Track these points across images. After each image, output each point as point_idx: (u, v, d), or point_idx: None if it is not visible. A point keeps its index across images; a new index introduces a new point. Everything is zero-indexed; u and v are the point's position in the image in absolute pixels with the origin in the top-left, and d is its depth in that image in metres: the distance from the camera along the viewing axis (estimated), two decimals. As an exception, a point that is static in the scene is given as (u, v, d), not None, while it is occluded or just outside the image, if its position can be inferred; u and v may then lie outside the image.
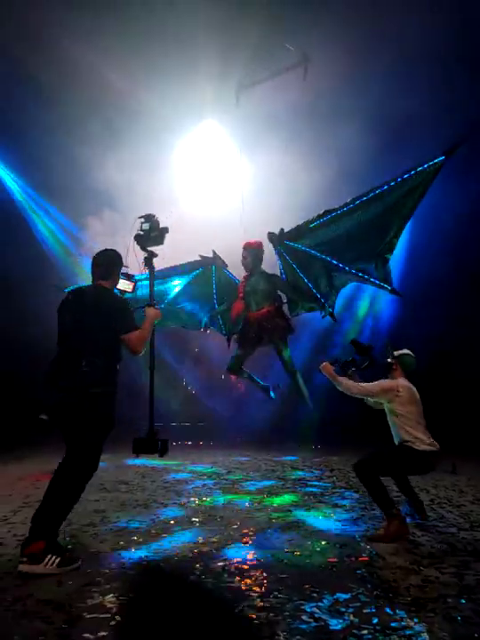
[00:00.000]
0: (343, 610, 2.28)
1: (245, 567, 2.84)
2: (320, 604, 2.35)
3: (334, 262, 4.51)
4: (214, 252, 5.21)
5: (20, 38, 7.25)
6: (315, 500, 4.64)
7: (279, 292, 5.11)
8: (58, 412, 2.91)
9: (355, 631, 2.07)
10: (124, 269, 3.40)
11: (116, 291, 3.32)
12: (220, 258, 5.20)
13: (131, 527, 3.68)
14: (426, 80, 7.85)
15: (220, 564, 2.90)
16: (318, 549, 3.20)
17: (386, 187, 4.01)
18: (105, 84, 7.89)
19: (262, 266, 5.17)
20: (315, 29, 7.61)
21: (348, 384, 3.78)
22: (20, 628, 2.06)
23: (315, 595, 2.45)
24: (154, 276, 3.71)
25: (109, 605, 2.28)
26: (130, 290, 3.48)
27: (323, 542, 3.35)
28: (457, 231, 9.03)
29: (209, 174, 9.97)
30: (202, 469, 6.47)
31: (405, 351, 3.89)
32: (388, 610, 2.28)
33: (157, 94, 8.34)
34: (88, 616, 2.17)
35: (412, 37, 7.38)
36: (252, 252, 5.04)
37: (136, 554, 3.06)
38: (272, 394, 5.43)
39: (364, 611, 2.27)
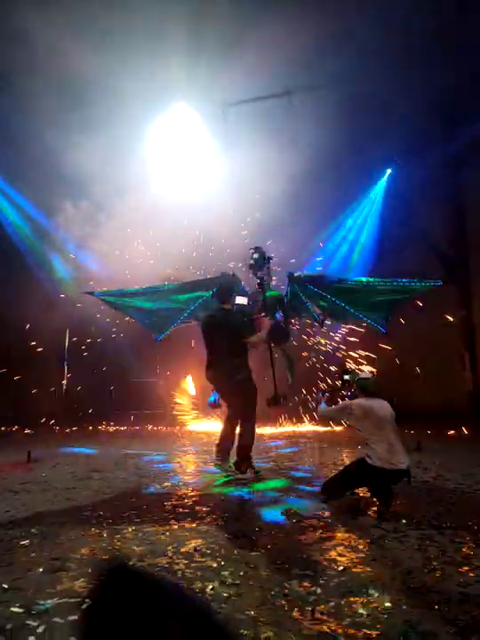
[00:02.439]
0: (312, 583, 2.36)
1: (216, 546, 2.90)
2: (291, 580, 2.42)
3: (348, 308, 5.55)
4: (233, 273, 5.72)
5: None
6: (290, 483, 4.72)
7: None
8: (228, 391, 4.86)
9: (323, 604, 2.15)
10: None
11: (234, 307, 5.09)
12: (237, 277, 5.71)
13: (108, 512, 3.69)
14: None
15: (192, 543, 2.95)
16: (288, 528, 3.28)
17: (392, 283, 5.40)
18: (73, 66, 7.69)
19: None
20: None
21: (320, 410, 4.26)
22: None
23: (285, 570, 2.53)
24: (265, 293, 5.21)
25: (80, 590, 2.30)
26: (245, 303, 5.20)
27: (293, 521, 3.43)
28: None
29: (181, 157, 9.90)
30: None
31: (362, 376, 4.19)
32: (354, 583, 2.37)
33: (127, 77, 8.19)
34: (58, 601, 2.19)
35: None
36: (268, 272, 5.72)
37: (107, 538, 3.08)
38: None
39: (331, 583, 2.36)
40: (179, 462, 5.96)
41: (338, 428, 8.54)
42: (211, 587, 2.32)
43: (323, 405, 4.27)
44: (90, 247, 9.83)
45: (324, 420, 4.30)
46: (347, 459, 5.73)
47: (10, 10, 6.82)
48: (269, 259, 5.39)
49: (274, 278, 6.11)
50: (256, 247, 5.36)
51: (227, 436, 4.88)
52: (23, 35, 7.01)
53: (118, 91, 8.36)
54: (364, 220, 11.24)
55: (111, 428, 9.56)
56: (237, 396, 4.79)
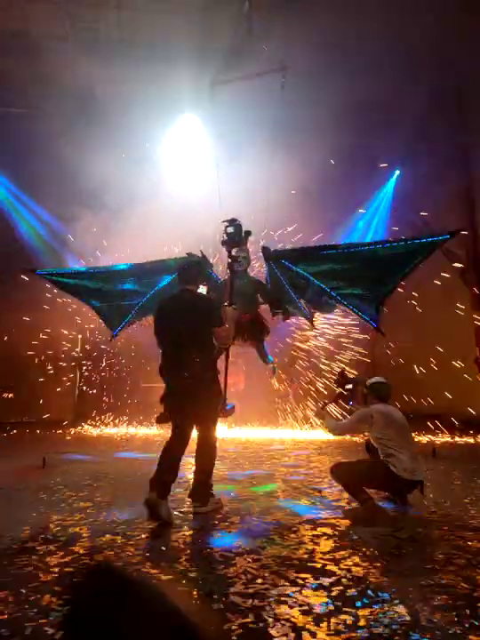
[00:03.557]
0: (327, 594, 2.34)
1: (230, 554, 2.88)
2: (304, 588, 2.40)
3: (331, 291, 4.51)
4: (202, 253, 4.87)
5: (5, 46, 7.19)
6: (300, 488, 4.70)
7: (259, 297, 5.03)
8: (182, 395, 3.66)
9: (338, 614, 2.13)
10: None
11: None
12: (208, 259, 4.97)
13: (120, 518, 3.69)
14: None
15: (206, 550, 2.94)
16: (301, 536, 3.26)
17: (392, 244, 4.28)
18: (85, 80, 7.81)
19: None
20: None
21: (330, 426, 3.98)
22: None
23: (299, 580, 2.51)
24: (233, 279, 4.30)
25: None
26: (204, 292, 4.29)
27: (306, 529, 3.41)
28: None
29: (189, 166, 9.98)
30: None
31: (376, 379, 4.04)
32: (369, 593, 2.34)
33: (138, 92, 8.31)
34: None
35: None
36: (247, 257, 4.87)
37: (121, 541, 3.09)
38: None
39: (348, 594, 2.33)
40: (189, 468, 5.93)
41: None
42: (226, 597, 2.31)
43: (331, 421, 4.03)
44: (105, 254, 9.93)
45: (338, 435, 4.04)
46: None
47: (26, 25, 6.93)
48: (248, 234, 4.45)
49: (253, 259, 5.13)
50: (231, 219, 4.36)
51: (173, 464, 3.60)
52: (39, 50, 7.13)
53: (128, 103, 8.47)
54: (372, 220, 11.21)
55: (123, 433, 9.60)
56: (199, 403, 3.68)
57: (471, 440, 8.12)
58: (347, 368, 5.41)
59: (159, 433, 9.24)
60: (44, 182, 9.14)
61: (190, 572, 2.64)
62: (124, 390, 10.40)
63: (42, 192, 9.59)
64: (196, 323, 3.69)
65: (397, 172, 10.98)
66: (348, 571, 2.62)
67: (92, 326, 9.59)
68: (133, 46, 7.67)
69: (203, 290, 4.31)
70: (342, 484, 3.81)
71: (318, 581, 2.48)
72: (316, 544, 3.08)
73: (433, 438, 8.32)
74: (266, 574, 2.58)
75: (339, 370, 4.39)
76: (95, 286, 4.91)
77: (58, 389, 10.11)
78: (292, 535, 3.27)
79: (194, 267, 4.07)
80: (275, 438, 8.85)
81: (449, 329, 9.20)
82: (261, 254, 4.83)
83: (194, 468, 3.92)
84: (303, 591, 2.37)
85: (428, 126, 8.96)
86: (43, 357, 9.75)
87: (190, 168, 10.01)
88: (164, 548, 3.02)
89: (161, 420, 3.84)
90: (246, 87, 8.52)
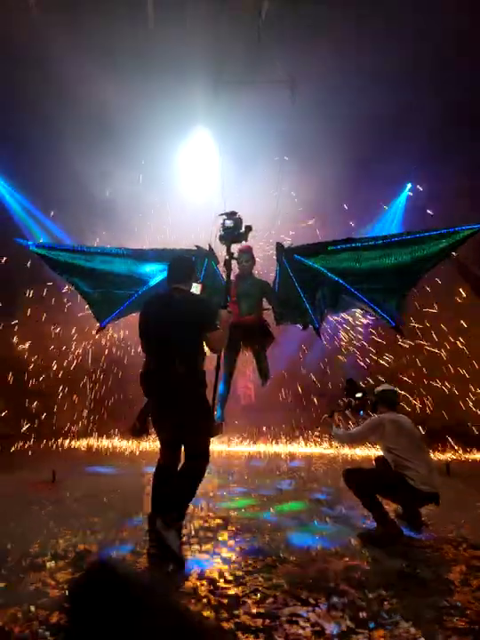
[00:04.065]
0: (340, 614, 2.29)
1: (240, 573, 2.84)
2: (316, 608, 2.36)
3: (349, 287, 4.23)
4: (210, 247, 4.62)
5: (22, 62, 7.40)
6: (315, 506, 4.63)
7: (265, 301, 4.83)
8: (165, 407, 3.18)
9: (351, 635, 2.08)
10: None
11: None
12: (215, 254, 4.64)
13: (130, 524, 3.67)
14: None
15: (216, 569, 2.90)
16: (314, 554, 3.20)
17: (417, 235, 4.01)
18: (100, 96, 7.95)
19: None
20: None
21: (339, 436, 3.88)
22: None
23: (311, 600, 2.46)
24: (230, 277, 3.87)
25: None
26: (198, 292, 3.74)
27: (318, 547, 3.35)
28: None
29: (200, 179, 10.09)
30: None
31: (384, 387, 3.95)
32: (383, 614, 2.29)
33: (150, 106, 8.45)
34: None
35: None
36: (252, 257, 4.76)
37: (131, 558, 3.06)
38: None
39: (360, 614, 2.28)
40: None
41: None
42: (236, 616, 2.27)
43: (338, 429, 3.90)
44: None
45: (347, 445, 3.85)
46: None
47: (42, 40, 7.11)
48: (248, 229, 3.90)
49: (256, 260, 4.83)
50: (230, 212, 3.89)
51: (165, 492, 3.20)
52: (55, 66, 7.31)
53: (142, 118, 8.61)
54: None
55: (135, 447, 9.57)
56: (184, 414, 3.17)
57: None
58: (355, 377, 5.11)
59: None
60: (56, 196, 9.29)
61: (200, 590, 2.60)
62: (134, 402, 10.32)
63: (54, 206, 9.74)
64: (184, 326, 3.18)
65: (409, 185, 10.95)
66: (362, 591, 2.57)
67: (111, 336, 9.60)
68: (147, 61, 7.81)
69: (196, 289, 3.73)
70: (356, 493, 3.63)
71: (331, 602, 2.43)
72: (329, 563, 3.02)
73: (446, 456, 8.17)
74: (277, 594, 2.54)
75: (347, 379, 4.13)
76: (90, 266, 4.45)
77: (73, 399, 10.15)
78: (305, 554, 3.21)
79: (185, 262, 3.58)
80: (290, 452, 8.76)
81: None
82: (268, 254, 4.59)
83: (172, 488, 3.21)
84: (315, 611, 2.32)
85: (442, 140, 8.96)
86: (54, 368, 9.79)
87: (201, 181, 10.11)
88: (173, 566, 2.98)
89: (136, 433, 3.32)
90: (258, 100, 8.61)
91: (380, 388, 3.95)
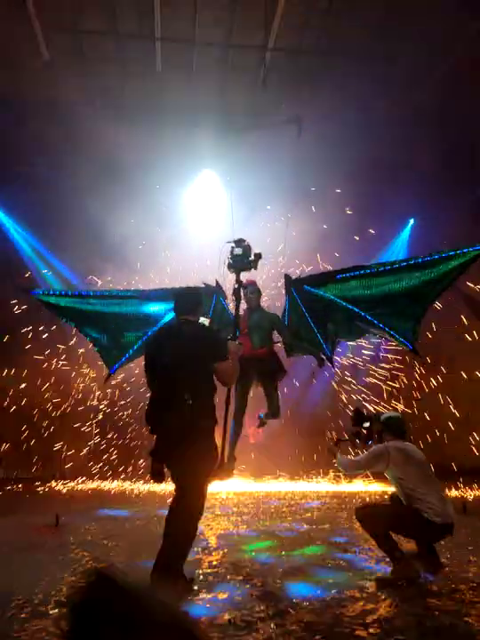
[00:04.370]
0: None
1: (252, 619, 2.71)
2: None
3: (363, 314, 4.18)
4: (217, 282, 4.55)
5: (34, 105, 7.82)
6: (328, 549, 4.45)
7: (275, 334, 4.78)
8: (171, 445, 3.00)
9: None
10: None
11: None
12: (222, 289, 4.58)
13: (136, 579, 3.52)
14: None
15: (226, 616, 2.77)
16: (328, 599, 3.06)
17: (426, 259, 4.02)
18: (111, 142, 8.27)
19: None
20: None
21: (343, 464, 3.75)
22: None
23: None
24: (239, 306, 3.80)
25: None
26: (206, 323, 3.65)
27: (333, 592, 3.20)
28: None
29: (207, 221, 10.30)
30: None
31: (390, 414, 3.87)
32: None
33: (159, 152, 8.77)
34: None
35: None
36: (257, 289, 4.75)
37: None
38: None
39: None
40: (208, 524, 5.72)
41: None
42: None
43: (343, 458, 3.75)
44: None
45: (351, 473, 3.69)
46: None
47: (56, 93, 7.50)
48: (258, 256, 3.81)
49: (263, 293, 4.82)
50: (238, 240, 3.81)
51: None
52: (69, 116, 7.68)
53: (150, 163, 8.92)
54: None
55: (143, 489, 9.36)
56: (185, 453, 2.97)
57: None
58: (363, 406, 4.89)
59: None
60: (66, 239, 9.51)
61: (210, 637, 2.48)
62: (141, 446, 10.11)
63: (64, 249, 9.95)
64: (193, 358, 3.05)
65: (411, 222, 11.09)
66: (379, 636, 2.44)
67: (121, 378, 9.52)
68: (155, 109, 8.19)
69: (204, 322, 3.65)
70: (368, 530, 3.49)
71: None
72: (344, 608, 2.88)
73: (463, 493, 7.92)
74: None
75: (355, 407, 4.02)
76: (96, 310, 4.38)
77: (78, 439, 10.01)
78: (319, 599, 3.07)
79: (193, 294, 3.51)
80: (302, 491, 8.54)
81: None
82: (275, 284, 4.56)
83: (163, 536, 3.00)
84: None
85: (443, 180, 9.18)
86: (57, 408, 9.70)
87: (209, 223, 10.32)
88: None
89: (155, 476, 3.16)
90: (263, 142, 8.92)
91: (385, 416, 3.81)
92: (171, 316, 4.12)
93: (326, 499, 7.62)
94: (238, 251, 3.77)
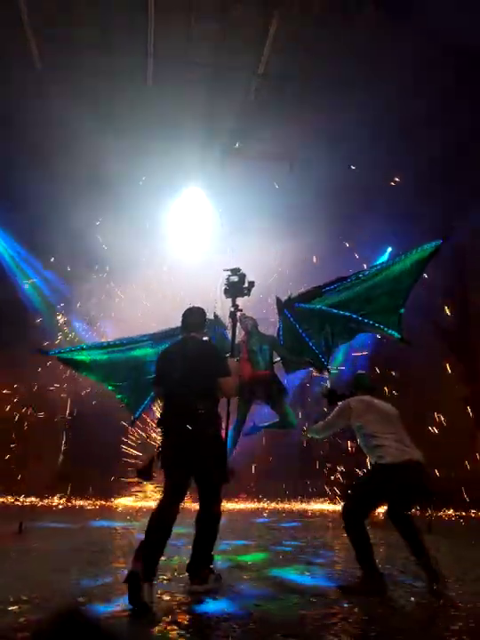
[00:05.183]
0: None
1: (214, 620, 2.70)
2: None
3: (354, 315, 4.52)
4: (216, 315, 4.78)
5: (23, 115, 7.90)
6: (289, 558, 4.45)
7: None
8: (185, 449, 3.23)
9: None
10: None
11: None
12: (221, 321, 4.78)
13: (95, 583, 3.46)
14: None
15: (188, 616, 2.76)
16: (289, 604, 3.06)
17: (390, 261, 4.51)
18: (100, 153, 8.36)
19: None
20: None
21: (314, 430, 3.83)
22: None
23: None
24: (236, 330, 4.11)
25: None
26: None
27: (295, 595, 3.21)
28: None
29: (191, 237, 10.41)
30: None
31: (359, 372, 4.01)
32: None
33: (146, 167, 8.90)
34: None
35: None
36: (251, 317, 5.03)
37: (100, 609, 2.88)
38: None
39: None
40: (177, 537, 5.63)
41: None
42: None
43: (313, 427, 3.84)
44: (107, 319, 10.08)
45: (322, 437, 3.75)
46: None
47: (43, 95, 7.56)
48: (251, 284, 4.21)
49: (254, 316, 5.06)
50: (235, 268, 4.18)
51: (163, 533, 3.12)
52: (60, 125, 7.75)
53: (136, 176, 9.03)
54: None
55: (110, 503, 9.17)
56: (205, 459, 3.27)
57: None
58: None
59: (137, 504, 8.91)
60: (50, 245, 9.49)
61: (169, 635, 2.46)
62: (107, 461, 9.84)
63: (48, 254, 9.91)
64: (200, 371, 3.36)
65: (389, 250, 11.30)
66: (339, 636, 2.46)
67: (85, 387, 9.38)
68: (143, 123, 8.31)
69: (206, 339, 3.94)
70: (349, 536, 3.43)
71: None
72: (306, 609, 2.89)
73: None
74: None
75: (324, 389, 4.12)
76: (110, 359, 4.62)
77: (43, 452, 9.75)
78: (281, 602, 3.07)
79: (198, 312, 3.75)
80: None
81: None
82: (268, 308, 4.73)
83: (193, 537, 3.35)
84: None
85: (419, 207, 9.46)
86: (25, 420, 9.46)
87: (193, 240, 10.42)
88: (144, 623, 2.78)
89: (143, 474, 3.37)
90: (249, 166, 9.13)
91: (354, 375, 3.95)
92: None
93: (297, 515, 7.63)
94: (234, 278, 4.12)
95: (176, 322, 3.90)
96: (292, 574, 3.86)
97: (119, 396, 4.77)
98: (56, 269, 10.27)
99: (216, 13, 7.00)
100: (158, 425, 3.45)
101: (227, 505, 8.60)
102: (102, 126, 7.83)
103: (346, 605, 3.01)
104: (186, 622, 2.66)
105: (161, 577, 3.61)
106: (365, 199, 9.58)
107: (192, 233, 10.50)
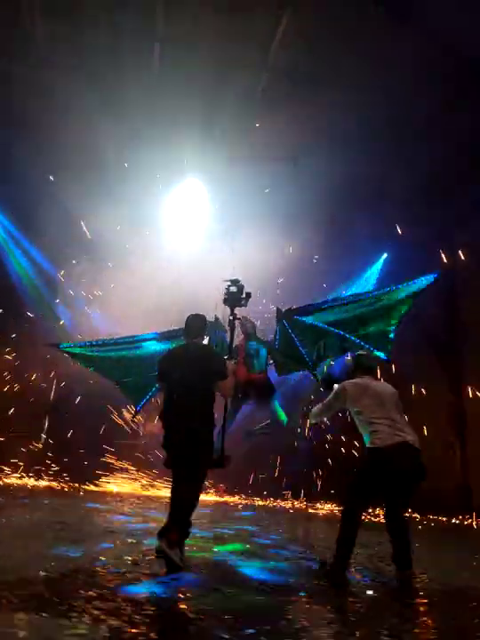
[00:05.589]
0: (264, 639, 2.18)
1: (173, 598, 2.70)
2: (240, 632, 2.24)
3: (347, 336, 4.86)
4: (217, 318, 5.11)
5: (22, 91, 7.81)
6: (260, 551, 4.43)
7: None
8: (185, 445, 3.58)
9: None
10: None
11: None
12: (220, 322, 5.11)
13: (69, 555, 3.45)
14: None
15: (143, 594, 2.74)
16: (244, 590, 3.06)
17: (392, 287, 4.85)
18: (98, 139, 8.29)
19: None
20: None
21: (313, 415, 3.88)
22: None
23: (237, 625, 2.34)
24: (234, 336, 4.54)
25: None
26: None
27: (253, 582, 3.22)
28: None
29: (189, 228, 10.34)
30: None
31: (359, 352, 4.01)
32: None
33: (145, 155, 8.83)
34: None
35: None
36: (251, 320, 5.38)
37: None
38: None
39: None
40: (145, 521, 5.60)
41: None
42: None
43: (312, 411, 3.90)
44: (97, 305, 10.01)
45: (320, 420, 3.87)
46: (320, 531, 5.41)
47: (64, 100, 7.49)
48: (248, 295, 4.56)
49: (255, 321, 5.46)
50: (234, 280, 4.55)
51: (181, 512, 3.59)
52: (57, 107, 7.68)
53: (134, 161, 8.95)
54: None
55: (89, 486, 9.10)
56: (196, 454, 3.62)
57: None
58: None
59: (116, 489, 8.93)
60: (41, 225, 9.39)
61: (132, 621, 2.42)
62: (92, 446, 9.73)
63: (39, 235, 9.81)
64: (200, 373, 3.70)
65: (385, 255, 11.21)
66: (289, 619, 2.46)
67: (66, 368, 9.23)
68: (146, 108, 8.19)
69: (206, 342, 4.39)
70: (340, 526, 3.43)
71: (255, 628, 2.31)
72: (264, 597, 2.90)
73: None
74: (201, 618, 2.40)
75: (322, 379, 4.24)
76: (118, 356, 4.98)
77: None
78: (236, 588, 3.05)
79: (200, 319, 4.09)
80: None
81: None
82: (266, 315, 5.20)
83: (170, 508, 3.63)
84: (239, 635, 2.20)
85: (416, 215, 9.44)
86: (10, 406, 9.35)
87: (188, 231, 10.36)
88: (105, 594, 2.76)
89: (168, 465, 3.82)
90: (255, 165, 9.09)
91: (354, 354, 3.99)
92: None
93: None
94: (233, 289, 4.50)
95: (171, 309, 4.12)
96: (257, 565, 3.83)
97: (121, 389, 5.15)
98: (45, 251, 10.15)
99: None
100: (161, 419, 3.78)
101: (207, 497, 8.58)
102: (103, 107, 7.73)
103: (303, 596, 3.01)
104: (141, 600, 2.64)
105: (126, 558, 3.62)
106: (367, 199, 9.52)
107: (189, 223, 10.43)
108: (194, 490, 3.68)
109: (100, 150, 8.43)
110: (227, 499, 9.20)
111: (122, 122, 8.09)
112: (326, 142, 8.53)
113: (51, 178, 8.98)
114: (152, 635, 2.13)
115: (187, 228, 10.37)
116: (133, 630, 2.16)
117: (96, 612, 2.34)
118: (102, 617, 2.27)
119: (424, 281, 4.64)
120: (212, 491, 9.21)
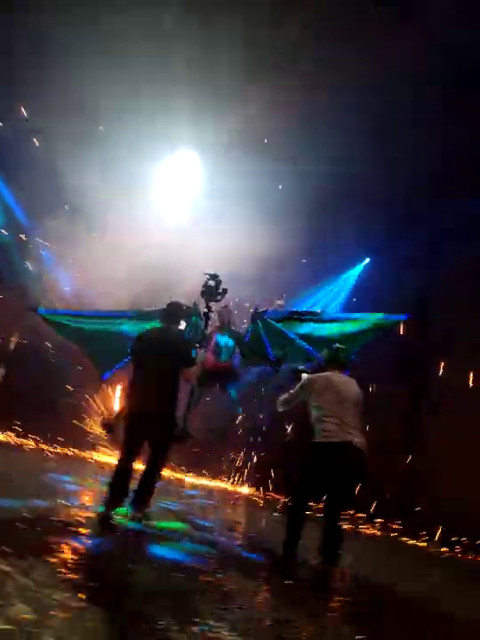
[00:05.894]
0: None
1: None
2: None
3: (310, 350, 5.13)
4: (195, 304, 5.33)
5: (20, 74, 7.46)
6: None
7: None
8: (147, 425, 3.89)
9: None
10: None
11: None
12: (198, 309, 5.33)
13: None
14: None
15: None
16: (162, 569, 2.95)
17: (362, 315, 5.23)
18: (90, 100, 7.98)
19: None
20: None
21: (280, 400, 3.91)
22: None
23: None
24: (207, 327, 5.02)
25: None
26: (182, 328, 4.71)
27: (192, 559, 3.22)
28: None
29: (178, 199, 10.12)
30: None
31: (337, 345, 4.01)
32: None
33: (138, 123, 8.56)
34: None
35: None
36: (228, 312, 5.72)
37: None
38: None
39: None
40: (84, 485, 5.54)
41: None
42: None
43: (280, 398, 3.93)
44: (68, 267, 9.72)
45: (286, 408, 3.90)
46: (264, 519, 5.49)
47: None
48: (225, 291, 5.00)
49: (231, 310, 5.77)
50: (213, 274, 4.96)
51: (125, 483, 3.83)
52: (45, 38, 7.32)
53: (126, 121, 8.66)
54: (329, 300, 11.30)
55: (27, 443, 8.89)
56: (162, 434, 3.99)
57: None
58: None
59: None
60: (22, 175, 9.03)
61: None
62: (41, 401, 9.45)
63: (19, 185, 9.43)
64: (170, 358, 4.00)
65: (367, 260, 11.19)
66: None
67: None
68: (148, 65, 7.85)
69: (181, 328, 4.68)
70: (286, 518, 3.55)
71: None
72: (181, 574, 2.86)
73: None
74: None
75: (295, 370, 4.31)
76: (93, 328, 5.14)
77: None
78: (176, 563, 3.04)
79: (177, 307, 4.38)
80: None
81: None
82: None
83: (139, 480, 4.00)
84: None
85: (399, 225, 9.46)
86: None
87: (181, 199, 10.16)
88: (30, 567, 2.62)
89: (106, 426, 4.17)
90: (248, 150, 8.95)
91: (322, 353, 4.00)
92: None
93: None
94: (211, 283, 4.90)
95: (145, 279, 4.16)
96: (187, 546, 3.71)
97: (91, 359, 5.35)
98: (26, 207, 9.75)
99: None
100: (129, 389, 4.06)
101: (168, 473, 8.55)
102: (105, 59, 7.38)
103: (221, 576, 2.97)
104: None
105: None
106: (364, 199, 9.46)
107: (180, 193, 10.22)
108: (161, 462, 4.08)
109: (90, 103, 8.06)
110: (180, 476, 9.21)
111: (121, 80, 7.75)
112: (326, 140, 8.40)
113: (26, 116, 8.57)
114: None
115: (175, 197, 10.17)
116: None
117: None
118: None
119: (395, 318, 5.02)
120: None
